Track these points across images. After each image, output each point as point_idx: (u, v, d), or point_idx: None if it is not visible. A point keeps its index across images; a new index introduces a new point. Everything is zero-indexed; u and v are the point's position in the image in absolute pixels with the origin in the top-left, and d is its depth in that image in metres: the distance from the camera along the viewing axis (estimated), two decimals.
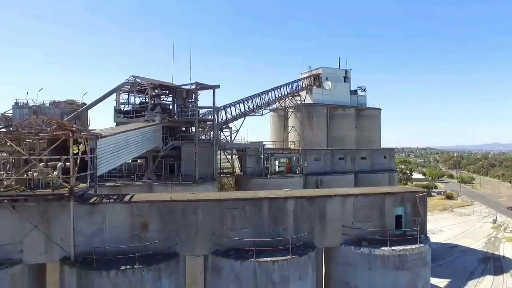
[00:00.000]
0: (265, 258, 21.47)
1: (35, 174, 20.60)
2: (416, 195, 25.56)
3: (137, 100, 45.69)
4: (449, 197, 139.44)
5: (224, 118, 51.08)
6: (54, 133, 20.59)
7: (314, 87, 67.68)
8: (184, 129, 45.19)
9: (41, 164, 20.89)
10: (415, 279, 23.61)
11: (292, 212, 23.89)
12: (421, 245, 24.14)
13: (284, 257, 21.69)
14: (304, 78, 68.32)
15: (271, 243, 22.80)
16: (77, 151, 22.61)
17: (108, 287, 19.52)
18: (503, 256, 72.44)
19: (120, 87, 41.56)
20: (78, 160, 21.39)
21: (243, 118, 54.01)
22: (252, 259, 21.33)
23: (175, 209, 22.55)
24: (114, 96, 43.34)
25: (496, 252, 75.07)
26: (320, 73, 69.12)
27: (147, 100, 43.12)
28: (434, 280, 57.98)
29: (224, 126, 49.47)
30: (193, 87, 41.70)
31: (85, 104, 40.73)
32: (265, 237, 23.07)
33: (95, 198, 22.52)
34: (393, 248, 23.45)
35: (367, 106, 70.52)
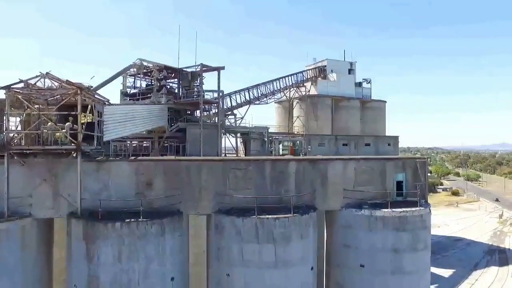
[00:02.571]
0: (267, 216, 21.85)
1: (44, 130, 21.32)
2: (417, 160, 25.86)
3: (143, 84, 46.37)
4: (455, 193, 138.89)
5: (229, 105, 51.52)
6: (64, 92, 21.27)
7: (319, 78, 68.06)
8: (189, 112, 45.76)
9: (49, 123, 21.61)
10: (415, 240, 23.85)
11: (294, 174, 24.25)
12: (421, 208, 24.44)
13: (286, 215, 22.05)
14: (309, 69, 68.71)
15: (272, 203, 23.13)
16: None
17: (114, 238, 20.10)
18: (509, 249, 72.21)
19: (127, 69, 42.31)
20: (86, 120, 22.05)
21: (248, 106, 54.43)
22: (254, 216, 21.72)
23: (180, 168, 23.08)
24: (120, 79, 44.12)
25: (502, 245, 74.81)
26: (325, 65, 69.35)
27: (153, 83, 43.75)
28: (439, 271, 58.13)
29: (229, 113, 49.90)
30: (198, 69, 42.27)
31: (92, 87, 41.46)
32: (267, 198, 23.40)
33: (102, 157, 23.15)
34: (394, 210, 23.75)
35: (372, 98, 70.76)
